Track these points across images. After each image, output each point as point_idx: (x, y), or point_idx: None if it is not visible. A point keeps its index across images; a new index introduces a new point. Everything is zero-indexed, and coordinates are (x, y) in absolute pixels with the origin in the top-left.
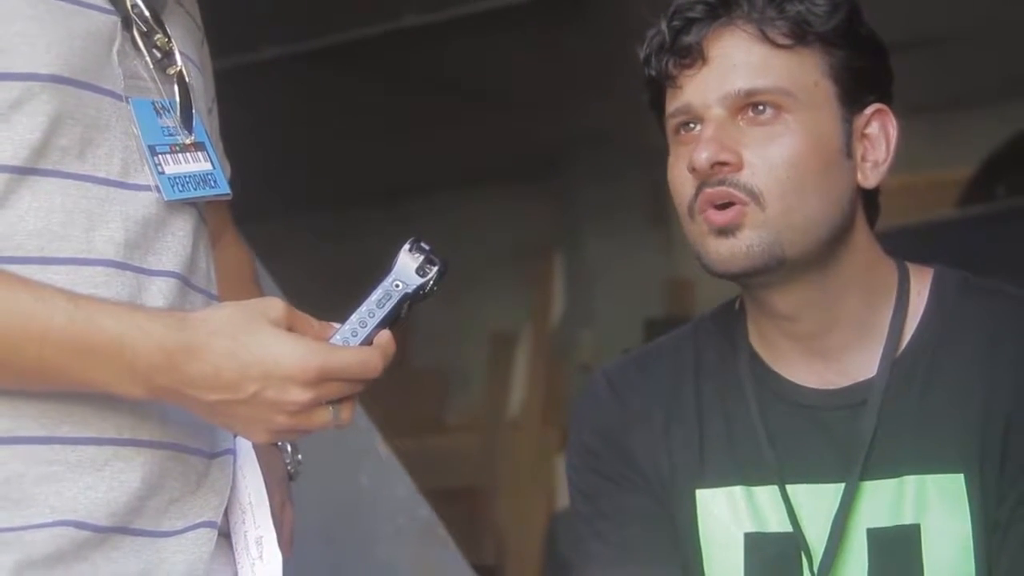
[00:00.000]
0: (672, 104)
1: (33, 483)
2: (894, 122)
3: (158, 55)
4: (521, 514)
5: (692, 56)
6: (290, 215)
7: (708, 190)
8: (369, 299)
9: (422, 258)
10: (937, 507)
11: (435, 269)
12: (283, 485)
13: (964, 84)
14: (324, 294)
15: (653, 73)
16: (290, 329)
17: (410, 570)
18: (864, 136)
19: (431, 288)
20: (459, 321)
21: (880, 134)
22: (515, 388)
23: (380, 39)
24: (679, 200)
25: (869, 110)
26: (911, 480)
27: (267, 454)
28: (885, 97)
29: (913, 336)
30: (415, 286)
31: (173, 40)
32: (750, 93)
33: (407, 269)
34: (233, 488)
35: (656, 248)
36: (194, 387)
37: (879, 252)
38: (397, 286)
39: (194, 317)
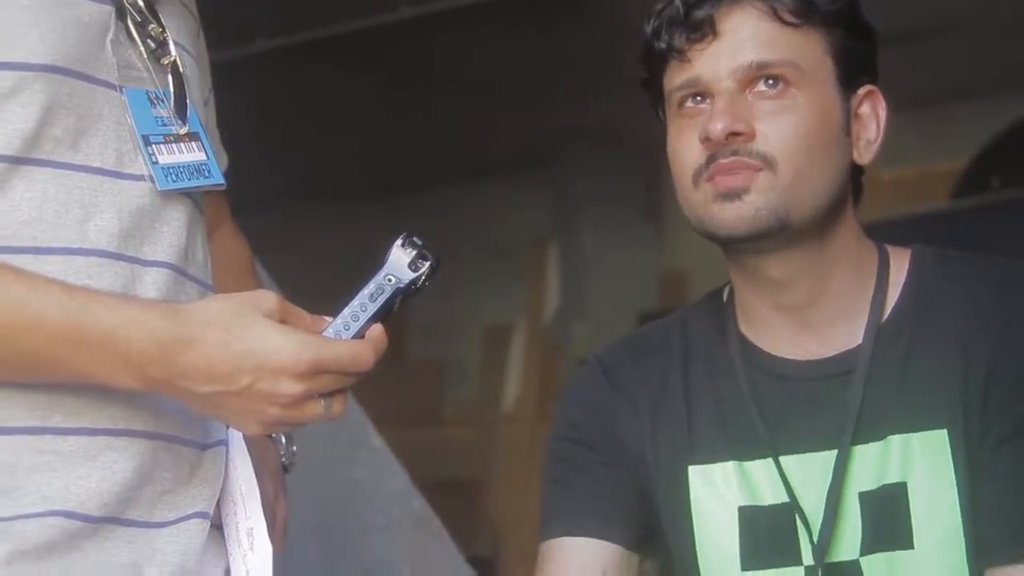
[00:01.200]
0: (679, 77)
1: (25, 473)
2: (883, 104)
3: (152, 45)
4: (516, 506)
5: (703, 30)
6: (285, 208)
7: (721, 161)
8: (361, 293)
9: (415, 253)
10: (921, 463)
11: (427, 264)
12: (277, 477)
13: (957, 76)
14: (319, 286)
15: (663, 46)
16: (283, 322)
17: (404, 562)
18: (857, 116)
19: (423, 283)
20: (454, 314)
21: (871, 114)
22: (510, 381)
23: (375, 32)
24: (684, 170)
25: (862, 91)
26: (896, 440)
27: (261, 446)
28: (875, 80)
29: (895, 305)
30: (407, 281)
31: (167, 30)
32: (761, 66)
33: (399, 263)
34: (225, 479)
35: (650, 241)
36: (187, 379)
37: (860, 231)
38: (389, 280)
39: (187, 309)
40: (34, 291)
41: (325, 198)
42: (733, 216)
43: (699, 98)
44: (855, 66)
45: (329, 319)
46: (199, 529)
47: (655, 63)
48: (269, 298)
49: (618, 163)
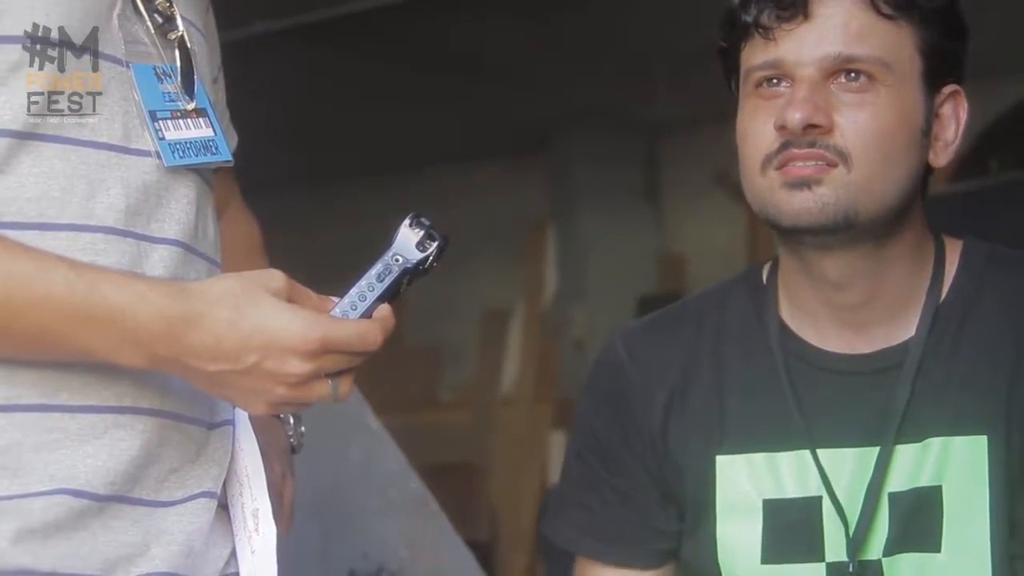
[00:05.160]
0: (760, 56)
1: (32, 451)
2: (966, 105)
3: (159, 19)
4: (514, 491)
5: (795, 10)
6: (282, 191)
7: (795, 150)
8: (369, 273)
9: (422, 233)
10: (959, 468)
11: (435, 244)
12: (284, 457)
13: None
14: (316, 269)
15: (748, 19)
16: (290, 301)
17: (401, 543)
18: (938, 116)
19: (431, 263)
20: (451, 297)
21: (952, 115)
22: (507, 364)
23: (374, 14)
24: (753, 154)
25: (947, 90)
26: (936, 443)
27: (269, 426)
28: (960, 80)
29: (942, 304)
30: (415, 261)
31: (175, 4)
32: (849, 59)
33: (407, 243)
34: (232, 460)
35: (649, 225)
36: (194, 357)
37: (926, 228)
38: (397, 260)
39: (195, 287)
40: (41, 267)
41: (324, 181)
42: (799, 206)
43: (777, 80)
44: (943, 65)
45: (336, 299)
46: (206, 509)
47: (736, 35)
48: (277, 277)
49: (618, 146)
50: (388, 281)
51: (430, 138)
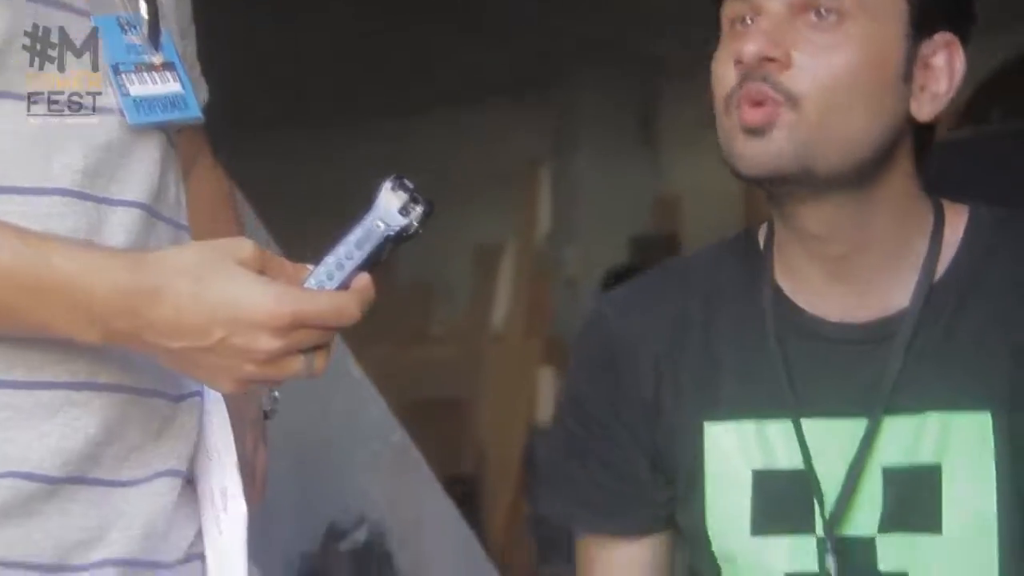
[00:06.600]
0: None
1: None
2: (962, 57)
3: None
4: (502, 426)
5: None
6: (274, 134)
7: (749, 84)
8: (347, 239)
9: (406, 197)
10: (961, 447)
11: (419, 209)
12: (257, 426)
13: None
14: (309, 216)
15: None
16: (261, 272)
17: (383, 495)
18: (927, 65)
19: (415, 230)
20: (444, 233)
21: (945, 66)
22: (498, 301)
23: None
24: (718, 93)
25: (939, 38)
26: (935, 418)
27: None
28: (959, 30)
29: (945, 272)
30: (398, 227)
31: None
32: None
33: (390, 208)
34: (200, 434)
35: (643, 165)
36: (155, 332)
37: (917, 186)
38: (379, 226)
39: (156, 257)
40: None
41: (315, 125)
42: (754, 153)
43: (748, 19)
44: (934, 9)
45: (311, 267)
46: (170, 488)
47: None
48: (246, 246)
49: (613, 86)
50: (368, 248)
51: (427, 79)
